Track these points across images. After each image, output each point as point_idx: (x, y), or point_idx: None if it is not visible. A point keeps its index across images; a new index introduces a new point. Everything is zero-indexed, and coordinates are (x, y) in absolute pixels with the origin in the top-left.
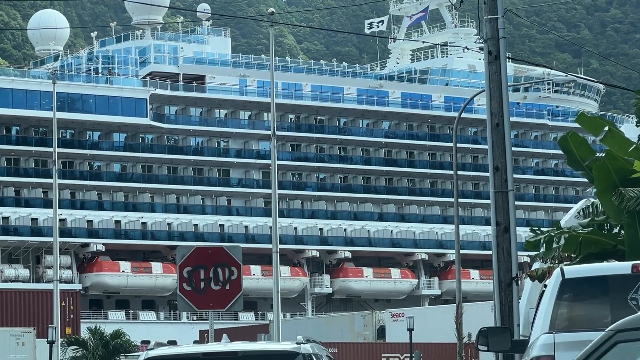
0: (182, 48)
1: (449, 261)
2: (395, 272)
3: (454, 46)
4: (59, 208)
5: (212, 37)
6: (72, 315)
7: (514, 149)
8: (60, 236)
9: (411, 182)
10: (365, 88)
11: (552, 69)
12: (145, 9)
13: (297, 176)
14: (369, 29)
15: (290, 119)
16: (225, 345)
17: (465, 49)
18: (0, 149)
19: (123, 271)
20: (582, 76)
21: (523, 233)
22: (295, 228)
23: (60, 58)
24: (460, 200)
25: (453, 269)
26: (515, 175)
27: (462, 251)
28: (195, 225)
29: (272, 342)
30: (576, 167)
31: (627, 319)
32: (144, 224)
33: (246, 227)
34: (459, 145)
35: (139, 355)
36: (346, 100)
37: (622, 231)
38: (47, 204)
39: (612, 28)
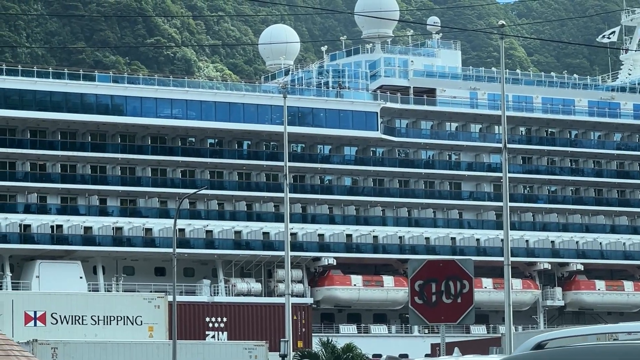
0: (412, 61)
1: None
2: (628, 284)
3: None
4: (290, 222)
5: (442, 50)
6: (303, 329)
7: None
8: (291, 250)
9: None
10: (597, 100)
11: None
12: (375, 23)
13: (528, 189)
14: (608, 37)
15: (521, 131)
16: (457, 359)
17: None
18: (232, 164)
19: (354, 285)
20: None
21: None
22: (527, 240)
23: (290, 72)
24: None
25: None
26: None
27: None
28: (427, 239)
29: (504, 355)
30: None
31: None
32: (375, 237)
33: (477, 239)
34: None
35: None
36: (577, 113)
37: None
38: (278, 218)
39: None
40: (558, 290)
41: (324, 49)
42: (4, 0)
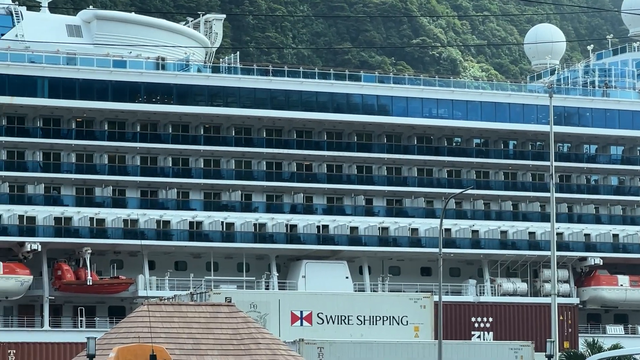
0: None
1: None
2: None
3: None
4: (556, 222)
5: None
6: (569, 330)
7: None
8: (557, 250)
9: None
10: None
11: None
12: None
13: None
14: None
15: None
16: None
17: None
18: (498, 163)
19: (621, 285)
20: None
21: None
22: None
23: (556, 72)
24: None
25: None
26: None
27: None
28: None
29: None
30: None
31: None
32: None
33: None
34: None
35: None
36: None
37: None
38: (544, 217)
39: None
40: None
41: (590, 48)
42: (270, 2)
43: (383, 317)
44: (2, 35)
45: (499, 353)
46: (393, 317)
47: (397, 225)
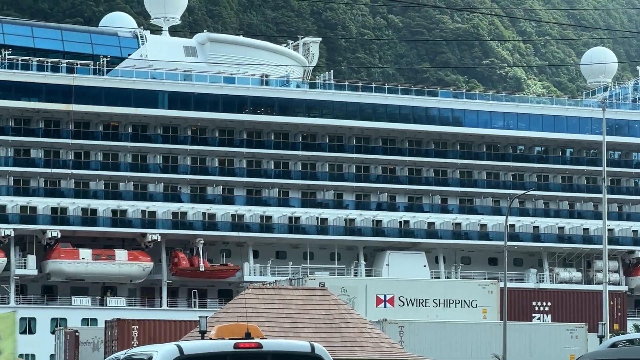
0: None
1: None
2: None
3: None
4: (607, 219)
5: None
6: (619, 314)
7: None
8: (608, 244)
9: None
10: None
11: None
12: None
13: None
14: None
15: None
16: None
17: None
18: (556, 168)
19: None
20: None
21: None
22: None
23: (609, 89)
24: None
25: None
26: None
27: None
28: None
29: None
30: None
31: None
32: None
33: None
34: None
35: None
36: None
37: None
38: (597, 215)
39: None
40: None
41: (639, 68)
42: (360, 27)
43: (455, 300)
44: (129, 55)
45: (557, 333)
46: (464, 301)
47: (468, 221)
